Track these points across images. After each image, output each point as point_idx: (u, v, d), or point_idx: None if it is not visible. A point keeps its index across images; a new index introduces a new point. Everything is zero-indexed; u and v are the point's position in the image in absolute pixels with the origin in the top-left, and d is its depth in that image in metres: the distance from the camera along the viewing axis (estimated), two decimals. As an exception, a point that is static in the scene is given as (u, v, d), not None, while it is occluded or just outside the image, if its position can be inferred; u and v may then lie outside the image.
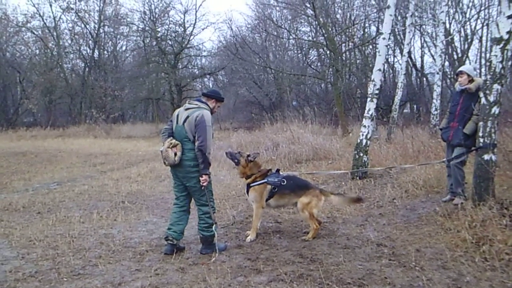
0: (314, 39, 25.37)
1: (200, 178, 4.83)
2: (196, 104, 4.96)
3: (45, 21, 32.62)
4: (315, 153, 11.60)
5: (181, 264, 4.63)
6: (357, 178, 8.83)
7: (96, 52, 35.09)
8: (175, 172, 5.00)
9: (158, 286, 4.06)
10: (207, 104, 5.04)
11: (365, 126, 9.07)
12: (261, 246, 5.21)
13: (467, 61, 22.96)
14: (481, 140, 5.59)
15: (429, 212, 6.13)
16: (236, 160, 5.70)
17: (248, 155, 5.66)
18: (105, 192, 8.81)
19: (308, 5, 20.75)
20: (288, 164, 11.13)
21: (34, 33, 32.30)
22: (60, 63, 33.01)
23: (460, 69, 6.50)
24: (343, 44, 23.53)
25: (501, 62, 5.44)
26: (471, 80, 6.28)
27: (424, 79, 25.67)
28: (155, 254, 5.01)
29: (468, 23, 23.29)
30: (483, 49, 22.65)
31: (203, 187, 4.88)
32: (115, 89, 32.04)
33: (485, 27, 22.60)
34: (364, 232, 5.62)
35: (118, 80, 33.26)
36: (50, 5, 32.54)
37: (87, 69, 34.85)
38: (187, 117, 4.85)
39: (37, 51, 33.77)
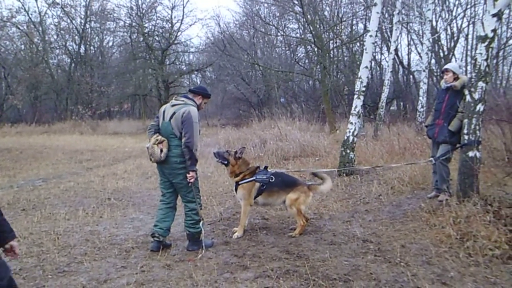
0: (302, 36, 25.36)
1: (187, 175, 4.81)
2: (183, 101, 4.93)
3: (30, 16, 32.14)
4: (303, 150, 11.63)
5: (167, 261, 4.61)
6: (344, 174, 8.89)
7: (82, 47, 34.66)
8: (162, 168, 4.97)
9: (144, 283, 4.04)
10: (194, 101, 5.02)
11: (352, 123, 9.12)
12: (248, 243, 5.21)
13: (453, 59, 23.20)
14: (466, 137, 5.65)
15: (415, 208, 6.19)
16: (225, 161, 5.65)
17: (236, 152, 5.63)
18: (91, 189, 8.74)
19: (296, 2, 20.75)
20: (276, 160, 11.14)
21: (19, 28, 31.75)
22: (46, 59, 32.57)
23: (446, 66, 6.56)
24: (331, 41, 23.60)
25: (486, 60, 5.50)
26: (456, 78, 6.34)
27: (411, 76, 25.87)
28: (141, 251, 4.99)
29: (454, 21, 23.55)
30: (469, 47, 22.90)
31: (190, 184, 4.86)
32: (101, 85, 31.74)
33: (471, 25, 22.83)
34: (350, 228, 5.66)
35: (104, 76, 32.95)
36: (36, 0, 32.17)
37: (73, 64, 34.41)
38: (174, 113, 4.82)
39: (22, 47, 33.24)
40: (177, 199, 5.17)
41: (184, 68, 34.83)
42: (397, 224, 5.72)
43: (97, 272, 4.34)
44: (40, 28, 32.43)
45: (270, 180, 5.50)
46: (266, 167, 5.76)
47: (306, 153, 11.43)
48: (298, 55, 28.12)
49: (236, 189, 5.62)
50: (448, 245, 4.74)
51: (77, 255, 4.85)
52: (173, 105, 4.90)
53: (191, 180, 4.83)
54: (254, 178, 5.52)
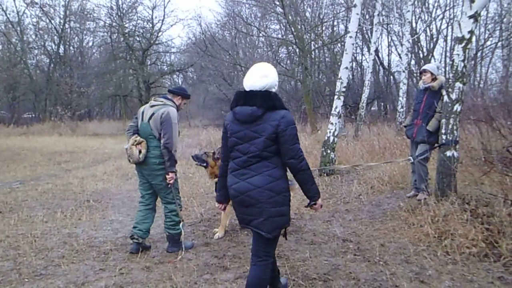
0: (284, 37, 25.43)
1: (167, 176, 4.77)
2: (162, 101, 4.88)
3: (8, 15, 31.68)
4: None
5: (147, 263, 4.56)
6: (325, 174, 8.93)
7: (62, 47, 34.26)
8: (141, 170, 4.92)
9: (122, 285, 3.99)
10: (173, 101, 4.97)
11: (332, 124, 9.18)
12: (228, 244, 5.20)
13: (433, 60, 23.54)
14: (444, 137, 5.72)
15: (394, 207, 6.25)
16: (204, 163, 5.63)
17: (214, 153, 5.61)
18: (69, 190, 8.61)
19: (277, 3, 20.77)
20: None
21: (-4, 28, 31.31)
22: (24, 59, 32.09)
23: (424, 67, 6.62)
24: (312, 42, 23.70)
25: (463, 61, 5.57)
26: (434, 79, 6.41)
27: (391, 77, 26.17)
28: (120, 253, 4.93)
29: (433, 22, 23.91)
30: (448, 48, 23.27)
31: (169, 185, 4.82)
32: (81, 86, 31.39)
33: (450, 27, 23.23)
34: (330, 228, 5.68)
35: (84, 77, 32.57)
36: (14, 0, 31.59)
37: (52, 65, 33.95)
38: (153, 114, 4.77)
39: (0, 47, 32.71)
40: (157, 200, 5.12)
41: (166, 69, 34.67)
42: (376, 223, 5.76)
43: (74, 275, 4.27)
44: (18, 28, 31.95)
45: None
46: None
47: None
48: (280, 55, 28.18)
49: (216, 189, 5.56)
50: (426, 244, 4.80)
51: (54, 258, 4.77)
52: (152, 106, 4.85)
53: (171, 182, 4.78)
54: None
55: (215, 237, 5.43)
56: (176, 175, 4.85)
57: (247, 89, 3.21)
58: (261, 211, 3.10)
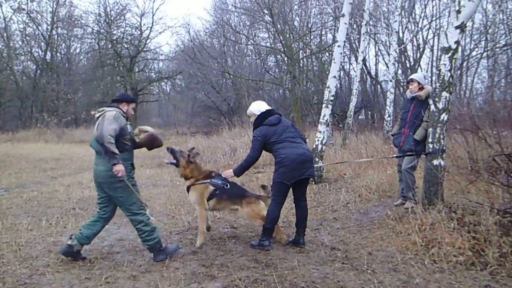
0: (272, 45, 25.58)
1: (113, 169, 4.49)
2: (103, 110, 4.74)
3: (-6, 22, 31.37)
4: (272, 158, 11.59)
5: (133, 272, 4.50)
6: (313, 182, 8.92)
7: (49, 54, 34.02)
8: (99, 184, 4.76)
9: (108, 295, 3.94)
10: (120, 108, 4.86)
11: (320, 132, 9.20)
12: (216, 252, 5.16)
13: (419, 69, 23.81)
14: (431, 146, 5.77)
15: (381, 216, 6.27)
16: (175, 160, 5.52)
17: (189, 155, 5.52)
18: (55, 198, 8.49)
19: (266, 12, 20.95)
20: (245, 169, 11.09)
21: (-18, 34, 30.98)
22: (10, 65, 31.78)
23: (411, 77, 6.69)
24: (301, 51, 23.87)
25: (450, 70, 5.64)
26: (421, 88, 6.48)
27: (378, 86, 26.39)
28: (106, 262, 4.85)
29: (420, 32, 24.19)
30: (434, 58, 23.55)
31: (119, 179, 4.56)
32: (68, 92, 31.14)
33: (436, 37, 23.53)
34: (318, 236, 5.68)
35: (71, 83, 32.37)
36: (0, 6, 31.41)
37: (38, 71, 33.69)
38: (97, 126, 4.63)
39: (-14, 53, 32.39)
40: (115, 212, 5.00)
41: (154, 76, 34.62)
42: (364, 232, 5.77)
43: (59, 284, 4.20)
44: (5, 34, 31.66)
45: (225, 187, 5.44)
46: (219, 174, 5.64)
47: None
48: (269, 64, 28.32)
49: (188, 191, 5.58)
50: (413, 252, 4.82)
51: (39, 266, 4.68)
52: (96, 118, 4.71)
53: (119, 174, 4.49)
54: (208, 180, 5.45)
55: (196, 245, 5.38)
56: (126, 170, 4.63)
57: (264, 110, 5.41)
58: (312, 165, 5.25)
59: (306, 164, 5.11)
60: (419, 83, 6.50)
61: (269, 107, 5.49)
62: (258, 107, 5.47)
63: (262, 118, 5.33)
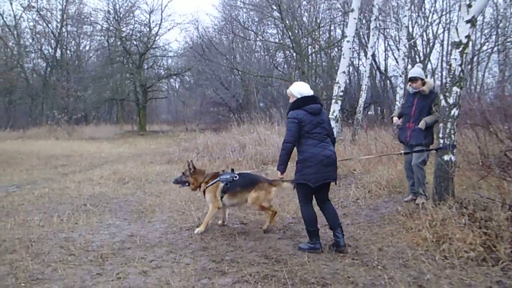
0: (281, 41, 25.51)
1: None
2: None
3: (5, 19, 31.65)
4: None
5: (144, 268, 4.53)
6: (322, 179, 8.90)
7: (59, 51, 34.21)
8: None
9: (119, 290, 3.97)
10: None
11: (330, 128, 9.16)
12: (226, 248, 5.18)
13: (429, 65, 23.64)
14: (441, 141, 5.73)
15: (392, 211, 6.24)
16: (186, 183, 6.02)
17: (189, 168, 5.96)
18: (66, 194, 8.57)
19: (275, 8, 20.88)
20: (255, 165, 11.12)
21: (-7, 32, 31.23)
22: (21, 63, 32.03)
23: (413, 75, 6.51)
24: (309, 47, 23.77)
25: (460, 65, 5.60)
26: (424, 83, 6.44)
27: (388, 81, 26.23)
28: (117, 257, 4.89)
29: (430, 27, 24.01)
30: (444, 52, 23.37)
31: None
32: (77, 90, 31.33)
33: (446, 31, 23.34)
34: (328, 232, 5.65)
35: (81, 80, 32.53)
36: (11, 3, 31.74)
37: (48, 69, 33.94)
38: None
39: (-4, 51, 32.67)
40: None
41: (163, 73, 34.61)
42: (374, 228, 5.76)
43: (71, 279, 4.24)
44: (15, 32, 31.92)
45: (234, 179, 5.71)
46: (232, 170, 6.04)
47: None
48: (277, 60, 28.25)
49: (204, 194, 5.94)
50: (424, 248, 4.79)
51: (51, 262, 4.73)
52: None
53: None
54: (217, 179, 5.78)
55: (195, 231, 5.70)
56: None
57: (308, 94, 4.98)
58: (336, 168, 4.96)
59: (331, 168, 4.85)
60: (422, 79, 6.45)
61: (312, 93, 5.06)
62: (299, 89, 5.04)
63: (302, 102, 4.92)
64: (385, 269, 4.29)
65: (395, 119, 6.86)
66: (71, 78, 32.93)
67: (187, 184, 6.02)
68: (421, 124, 6.25)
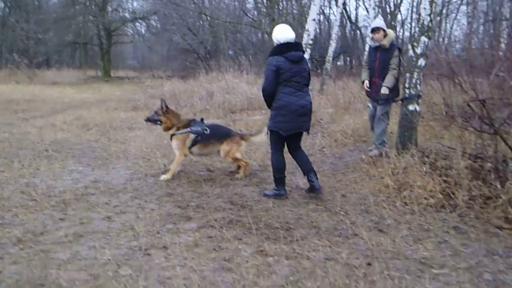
0: (251, -14, 24.79)
1: None
2: None
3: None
4: (250, 103, 11.56)
5: (108, 213, 4.49)
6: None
7: (17, -10, 32.27)
8: None
9: (83, 235, 3.92)
10: None
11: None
12: (192, 194, 5.18)
13: (399, 15, 23.54)
14: (407, 91, 5.79)
15: (356, 160, 6.37)
16: (158, 121, 5.92)
17: (162, 107, 5.84)
18: (27, 140, 8.30)
19: (245, -50, 20.09)
20: (223, 113, 11.04)
21: None
22: (-24, 3, 30.16)
23: (377, 25, 6.47)
24: (280, -7, 23.20)
25: (429, 15, 5.59)
26: (385, 35, 6.39)
27: (358, 31, 26.06)
28: (80, 203, 4.82)
29: (401, -23, 23.66)
30: (415, 3, 23.24)
31: None
32: (38, 32, 29.85)
33: (417, -18, 23.09)
34: (293, 179, 5.74)
35: (41, 22, 30.92)
36: None
37: (6, 9, 32.08)
38: None
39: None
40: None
41: (128, 16, 33.29)
42: (338, 175, 5.87)
43: (33, 224, 4.16)
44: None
45: (205, 132, 5.71)
46: (202, 119, 5.99)
47: (253, 107, 11.37)
48: (247, 6, 27.52)
49: (171, 140, 5.89)
50: (386, 195, 4.94)
51: (11, 207, 4.62)
52: None
53: None
54: (188, 129, 5.73)
55: (161, 178, 5.71)
56: None
57: (290, 40, 4.76)
58: (310, 118, 4.95)
59: (305, 118, 4.85)
60: (383, 29, 6.40)
61: (293, 37, 4.85)
62: (277, 34, 4.86)
63: (283, 48, 4.72)
64: (347, 215, 4.40)
65: (366, 82, 6.77)
66: (31, 20, 31.22)
67: (158, 122, 5.94)
68: (383, 90, 6.23)
